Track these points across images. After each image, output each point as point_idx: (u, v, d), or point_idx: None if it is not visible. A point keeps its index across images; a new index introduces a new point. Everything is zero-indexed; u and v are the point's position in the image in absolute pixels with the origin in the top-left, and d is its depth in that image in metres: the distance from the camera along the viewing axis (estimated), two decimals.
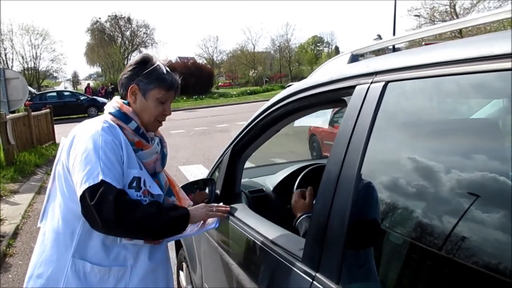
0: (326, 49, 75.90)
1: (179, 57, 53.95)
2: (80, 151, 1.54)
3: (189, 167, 8.76)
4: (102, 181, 1.46)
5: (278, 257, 1.44)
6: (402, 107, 1.15)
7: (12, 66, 46.61)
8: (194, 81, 36.52)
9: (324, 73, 1.49)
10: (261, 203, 2.23)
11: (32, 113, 11.22)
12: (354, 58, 1.48)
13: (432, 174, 1.01)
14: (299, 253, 1.33)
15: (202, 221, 1.77)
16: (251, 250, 1.69)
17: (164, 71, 1.72)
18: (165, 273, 1.82)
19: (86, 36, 71.01)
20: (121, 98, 1.77)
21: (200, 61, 56.76)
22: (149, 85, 1.69)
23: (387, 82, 1.13)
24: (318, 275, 1.20)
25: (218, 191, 2.13)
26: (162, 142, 1.86)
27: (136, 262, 1.67)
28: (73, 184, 1.55)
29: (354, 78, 1.27)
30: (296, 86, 1.66)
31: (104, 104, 24.63)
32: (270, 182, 2.47)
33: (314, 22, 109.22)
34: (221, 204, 1.81)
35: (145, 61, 1.72)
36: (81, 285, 1.58)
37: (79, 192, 1.48)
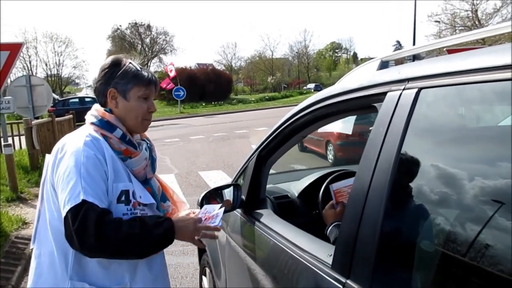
0: (344, 55, 75.69)
1: (197, 64, 54.38)
2: (62, 169, 1.50)
3: (209, 172, 8.82)
4: (83, 200, 1.42)
5: (306, 263, 1.44)
6: (436, 114, 1.14)
7: (36, 73, 47.77)
8: (212, 87, 36.77)
9: (353, 80, 1.49)
10: (286, 209, 2.23)
11: (56, 118, 11.44)
12: (384, 64, 1.48)
13: (465, 184, 1.00)
14: (328, 259, 1.33)
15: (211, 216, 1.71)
16: (278, 256, 1.70)
17: (138, 68, 1.68)
18: (165, 282, 1.78)
19: (107, 43, 72.39)
20: (101, 106, 1.70)
21: (218, 67, 57.21)
22: (127, 85, 1.64)
23: (420, 89, 1.12)
24: (349, 281, 1.19)
25: (243, 197, 2.13)
26: (150, 147, 1.80)
27: (134, 277, 1.62)
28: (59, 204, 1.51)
29: (385, 84, 1.27)
30: (324, 92, 1.66)
31: None
32: (295, 188, 2.48)
33: (332, 28, 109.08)
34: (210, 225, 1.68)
35: (117, 63, 1.67)
36: None
37: (63, 214, 1.45)
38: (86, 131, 1.59)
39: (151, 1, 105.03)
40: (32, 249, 1.66)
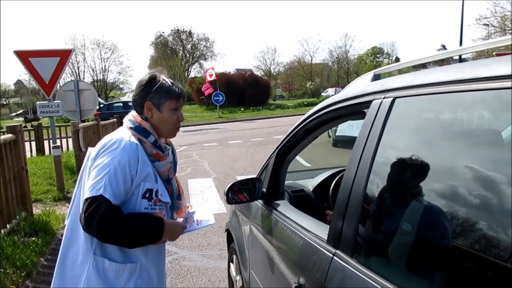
0: (386, 60, 74.38)
1: (237, 69, 55.17)
2: (99, 162, 1.82)
3: (247, 177, 8.98)
4: (101, 195, 1.75)
5: (309, 240, 1.75)
6: (405, 118, 1.41)
7: (83, 78, 50.01)
8: (251, 92, 37.21)
9: (352, 89, 1.78)
10: (302, 201, 2.54)
11: (101, 122, 12.04)
12: (376, 77, 1.76)
13: (424, 173, 1.26)
14: (325, 236, 1.63)
15: (197, 220, 2.14)
16: (289, 236, 2.01)
17: (170, 83, 1.99)
18: (163, 269, 2.15)
19: (150, 49, 74.57)
20: (138, 113, 2.01)
21: (257, 72, 57.68)
22: (161, 99, 1.95)
23: (394, 98, 1.40)
24: (338, 251, 1.50)
25: (264, 189, 2.46)
26: (173, 151, 2.12)
27: (146, 259, 1.96)
28: None
29: (372, 94, 1.56)
30: (331, 99, 1.95)
31: None
32: (310, 184, 2.81)
33: (374, 33, 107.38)
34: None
35: (152, 80, 1.98)
36: (100, 278, 1.86)
37: (83, 197, 1.80)
38: (128, 135, 1.91)
39: (194, 7, 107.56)
40: (65, 224, 2.01)
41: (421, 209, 1.26)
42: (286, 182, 2.58)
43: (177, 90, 2.01)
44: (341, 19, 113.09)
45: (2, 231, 4.75)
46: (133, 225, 1.83)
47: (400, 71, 1.79)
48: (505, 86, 0.99)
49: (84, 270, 1.87)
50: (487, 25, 28.77)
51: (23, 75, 58.42)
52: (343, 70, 64.25)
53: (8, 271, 3.78)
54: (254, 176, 2.60)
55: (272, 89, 49.73)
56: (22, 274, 3.83)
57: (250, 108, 35.89)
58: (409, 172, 1.33)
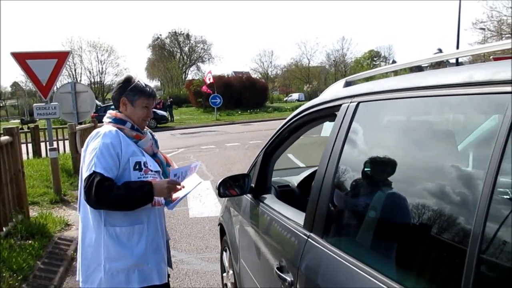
0: (383, 64, 74.55)
1: (234, 72, 55.34)
2: (88, 149, 2.22)
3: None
4: (93, 171, 2.13)
5: (289, 226, 2.00)
6: (367, 120, 1.66)
7: (80, 80, 50.09)
8: (248, 95, 37.35)
9: (327, 94, 2.02)
10: (287, 194, 2.79)
11: (98, 124, 12.13)
12: (347, 83, 2.00)
13: (381, 164, 1.51)
14: (301, 221, 1.87)
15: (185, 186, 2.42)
16: (273, 225, 2.25)
17: (143, 85, 2.38)
18: (164, 226, 2.49)
19: (147, 52, 74.77)
20: (115, 109, 2.41)
21: (254, 75, 57.72)
22: (135, 96, 2.34)
23: (359, 103, 1.64)
24: (312, 234, 1.74)
25: (252, 185, 2.69)
26: (151, 132, 2.51)
27: (149, 219, 2.32)
28: None
29: (342, 98, 1.80)
30: (310, 102, 2.19)
31: (163, 116, 26.19)
32: (295, 180, 3.08)
33: (371, 36, 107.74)
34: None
35: (128, 80, 2.38)
36: (115, 243, 2.22)
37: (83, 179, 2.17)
38: (107, 127, 2.29)
39: (191, 10, 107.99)
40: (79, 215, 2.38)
41: (381, 197, 1.51)
42: (273, 179, 2.82)
43: (149, 90, 2.40)
44: (338, 22, 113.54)
45: None
46: (125, 189, 2.16)
47: (365, 79, 2.03)
48: (434, 94, 1.24)
49: (101, 242, 2.24)
50: (484, 29, 29.00)
51: (20, 76, 58.36)
52: (340, 73, 64.31)
53: (4, 274, 3.78)
54: None
55: (269, 91, 49.82)
56: (19, 278, 3.83)
57: (248, 110, 36.01)
58: (371, 165, 1.58)
